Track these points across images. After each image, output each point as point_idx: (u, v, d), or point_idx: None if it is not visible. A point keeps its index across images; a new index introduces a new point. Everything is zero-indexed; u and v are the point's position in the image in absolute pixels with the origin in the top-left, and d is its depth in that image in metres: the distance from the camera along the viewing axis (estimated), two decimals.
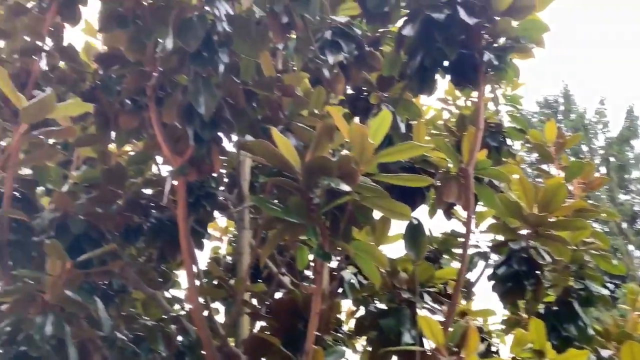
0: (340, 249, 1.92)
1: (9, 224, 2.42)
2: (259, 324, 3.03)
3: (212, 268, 2.97)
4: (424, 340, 2.36)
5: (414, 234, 2.26)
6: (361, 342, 4.00)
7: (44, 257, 2.43)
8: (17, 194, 2.63)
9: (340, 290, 3.10)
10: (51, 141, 2.79)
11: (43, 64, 2.64)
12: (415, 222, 2.32)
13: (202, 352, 3.14)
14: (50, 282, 2.00)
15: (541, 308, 2.91)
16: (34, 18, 2.57)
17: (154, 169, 3.18)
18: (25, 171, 2.73)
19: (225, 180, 3.52)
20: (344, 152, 2.04)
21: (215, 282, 3.26)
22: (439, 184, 2.50)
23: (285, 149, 1.87)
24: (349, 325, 3.93)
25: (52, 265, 2.00)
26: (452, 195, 2.31)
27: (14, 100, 1.82)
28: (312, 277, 3.55)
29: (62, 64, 2.79)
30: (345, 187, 1.81)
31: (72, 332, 2.08)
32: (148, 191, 3.09)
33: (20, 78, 2.53)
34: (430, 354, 2.18)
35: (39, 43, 2.58)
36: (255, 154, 1.99)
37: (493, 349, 3.00)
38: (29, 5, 2.69)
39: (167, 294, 3.39)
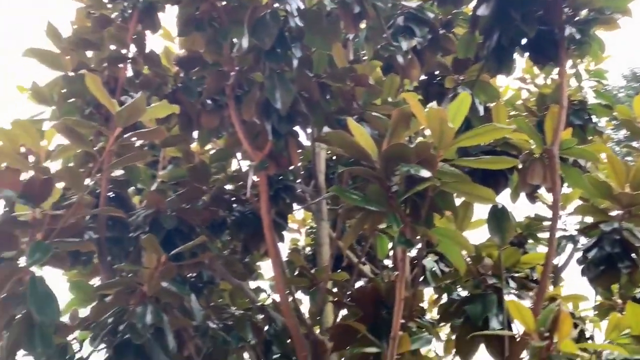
0: (422, 235, 1.91)
1: (106, 222, 2.60)
2: (342, 314, 3.08)
3: (294, 258, 3.04)
4: (512, 326, 2.31)
5: (498, 217, 2.21)
6: (445, 331, 3.96)
7: (139, 251, 2.60)
8: (111, 194, 2.83)
9: (421, 281, 3.09)
10: (138, 144, 2.97)
11: (129, 71, 2.80)
12: (499, 206, 2.26)
13: (288, 340, 3.24)
14: (147, 274, 2.13)
15: (638, 292, 2.76)
16: (119, 28, 2.73)
17: (235, 165, 3.31)
18: (117, 172, 2.93)
19: (302, 173, 3.60)
20: (421, 138, 2.03)
21: (297, 273, 3.34)
22: (522, 167, 2.42)
23: (361, 137, 1.89)
24: (432, 314, 3.90)
25: (149, 258, 2.13)
26: (537, 177, 2.23)
27: (108, 106, 1.95)
28: (391, 266, 3.56)
29: (145, 69, 2.95)
30: (425, 173, 1.79)
31: (168, 321, 2.21)
32: (230, 187, 3.22)
33: (109, 85, 2.70)
34: (519, 339, 2.14)
35: (124, 51, 2.74)
36: (332, 145, 2.02)
37: (587, 334, 2.87)
38: (113, 16, 2.86)
39: (251, 285, 3.51)
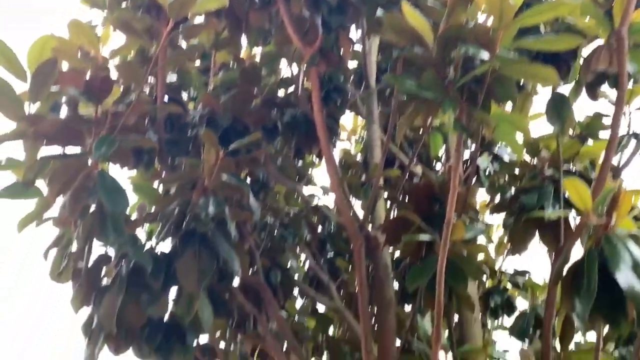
0: (479, 121, 1.87)
1: (164, 124, 2.68)
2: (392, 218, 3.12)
3: (346, 156, 3.07)
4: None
5: (558, 105, 2.13)
6: (497, 234, 3.99)
7: (198, 151, 2.69)
8: (166, 99, 2.89)
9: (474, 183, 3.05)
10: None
11: None
12: (560, 94, 2.18)
13: (342, 240, 3.34)
14: (207, 168, 2.21)
15: None
16: None
17: (285, 72, 3.30)
18: (170, 79, 2.98)
19: (353, 77, 3.55)
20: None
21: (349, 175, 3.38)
22: (586, 56, 2.29)
23: (416, 21, 1.82)
24: (484, 217, 3.91)
25: (208, 153, 2.20)
26: (603, 62, 2.11)
27: (160, 0, 1.95)
28: (441, 171, 3.54)
29: None
30: (484, 55, 1.73)
31: (229, 213, 2.31)
32: (281, 92, 3.24)
33: None
34: (575, 228, 2.12)
35: None
36: (385, 32, 1.96)
37: None
38: None
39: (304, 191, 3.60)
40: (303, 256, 3.35)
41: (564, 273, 1.72)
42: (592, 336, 2.98)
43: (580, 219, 1.83)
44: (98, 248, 2.40)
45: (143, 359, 2.35)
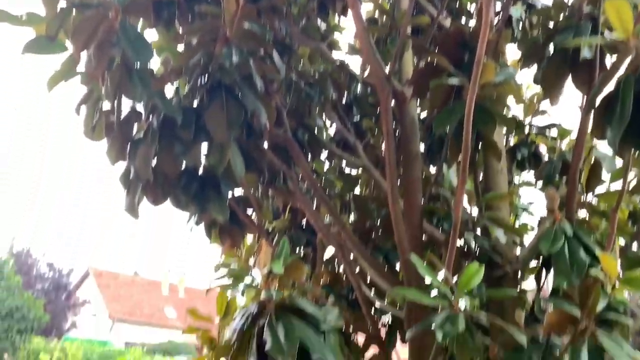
0: None
1: None
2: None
3: (374, 3, 2.95)
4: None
5: None
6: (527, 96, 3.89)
7: (217, 2, 2.60)
8: None
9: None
10: None
11: None
12: None
13: (368, 104, 3.32)
14: (228, 17, 2.15)
15: None
16: None
17: None
18: None
19: None
20: None
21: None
22: None
23: None
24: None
25: (228, 0, 2.13)
26: None
27: None
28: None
29: None
30: None
31: (254, 66, 2.28)
32: None
33: None
34: (611, 66, 2.04)
35: None
36: None
37: None
38: None
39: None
40: (329, 122, 3.35)
41: (597, 104, 1.69)
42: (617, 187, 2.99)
43: (619, 46, 1.75)
44: (127, 107, 2.44)
45: (181, 209, 2.47)
